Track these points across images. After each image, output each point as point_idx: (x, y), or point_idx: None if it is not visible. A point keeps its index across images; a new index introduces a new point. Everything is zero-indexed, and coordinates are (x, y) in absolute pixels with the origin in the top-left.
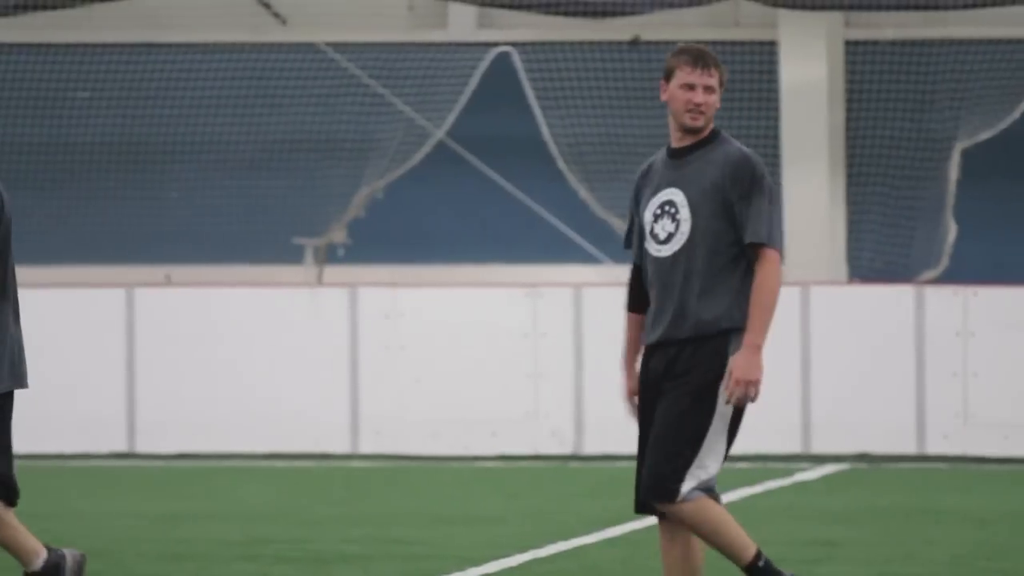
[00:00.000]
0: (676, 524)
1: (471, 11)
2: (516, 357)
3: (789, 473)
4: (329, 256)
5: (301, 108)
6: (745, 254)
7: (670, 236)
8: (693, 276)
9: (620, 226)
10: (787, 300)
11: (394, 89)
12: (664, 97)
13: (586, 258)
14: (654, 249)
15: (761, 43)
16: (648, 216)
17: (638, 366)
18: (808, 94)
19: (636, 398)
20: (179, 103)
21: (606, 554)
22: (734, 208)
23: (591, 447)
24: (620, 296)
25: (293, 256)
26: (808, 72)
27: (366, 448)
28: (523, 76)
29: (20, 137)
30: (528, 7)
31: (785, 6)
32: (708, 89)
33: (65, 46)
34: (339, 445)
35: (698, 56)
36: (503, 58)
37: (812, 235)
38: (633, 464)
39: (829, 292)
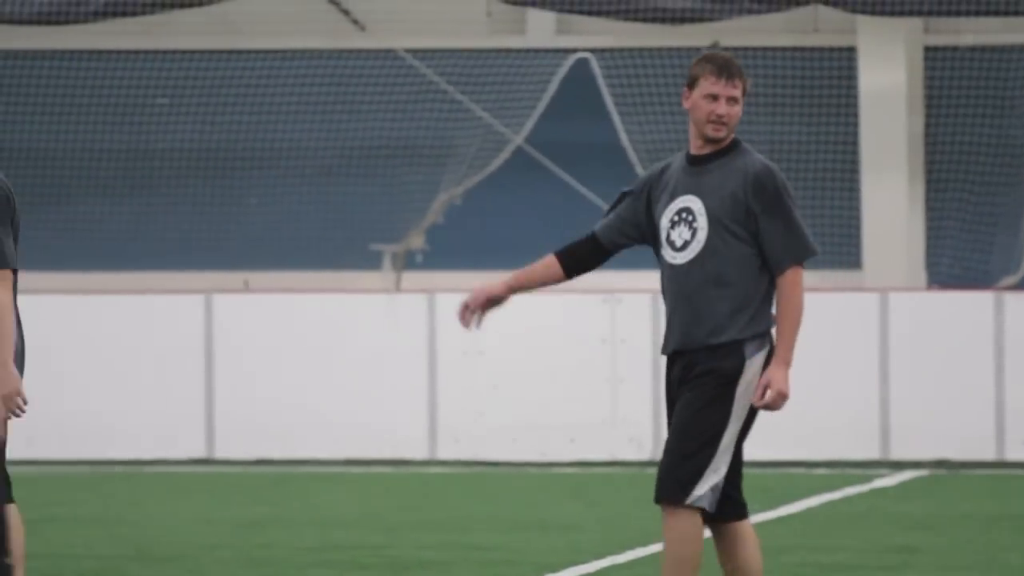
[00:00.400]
0: (723, 527)
1: (550, 17)
2: (594, 363)
3: (868, 479)
4: (407, 262)
5: (380, 114)
6: (764, 266)
7: (686, 244)
8: (708, 284)
9: None
10: (866, 306)
11: (473, 95)
12: (687, 105)
13: None
14: (670, 256)
15: (840, 49)
16: (664, 222)
17: (521, 283)
18: (887, 100)
19: (482, 302)
20: (258, 109)
21: None
22: (756, 220)
23: None
24: None
25: (371, 262)
26: (887, 78)
27: (444, 454)
28: (601, 82)
29: (100, 143)
30: (607, 13)
31: (864, 12)
32: (732, 100)
33: (145, 52)
34: (417, 451)
35: (723, 66)
36: (581, 64)
37: (891, 241)
38: None
39: (908, 299)
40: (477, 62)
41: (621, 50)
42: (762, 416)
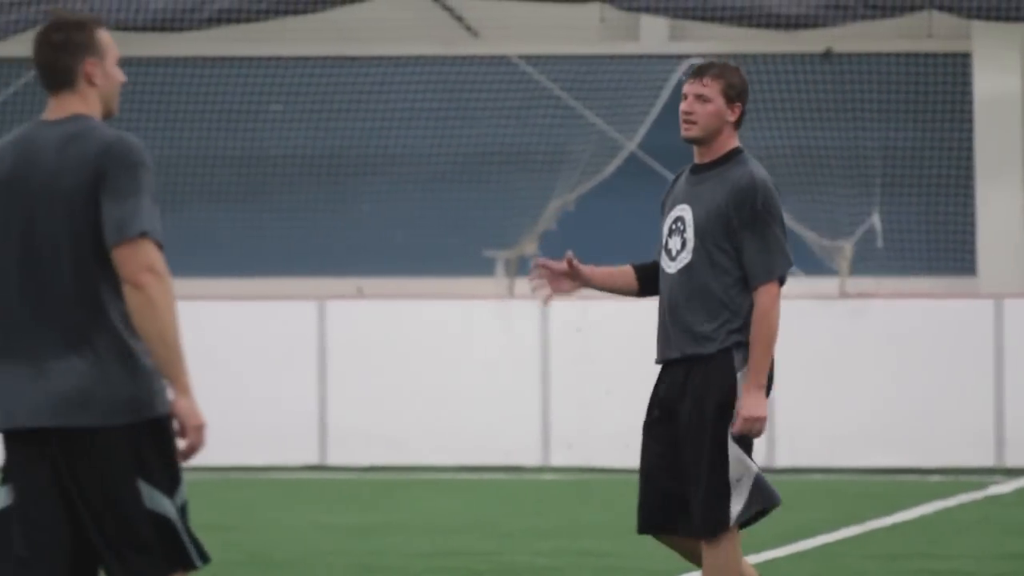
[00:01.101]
0: (680, 541)
1: (663, 23)
2: None
3: (983, 486)
4: (520, 268)
5: (493, 120)
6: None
7: (677, 253)
8: (695, 294)
9: (813, 238)
10: (980, 313)
11: (585, 101)
12: None
13: None
14: (665, 264)
15: (954, 55)
16: (664, 230)
17: (599, 277)
18: (1002, 106)
19: (562, 268)
20: (372, 116)
21: (797, 567)
22: (737, 234)
23: (782, 460)
24: (813, 309)
25: (484, 268)
26: (1002, 83)
27: (557, 461)
28: None
29: (215, 150)
30: (720, 19)
31: (979, 17)
32: (700, 98)
33: (258, 59)
34: (530, 458)
35: (697, 67)
36: None
37: (1006, 248)
38: (825, 477)
39: (1023, 305)
40: (590, 68)
41: (734, 56)
42: (877, 423)
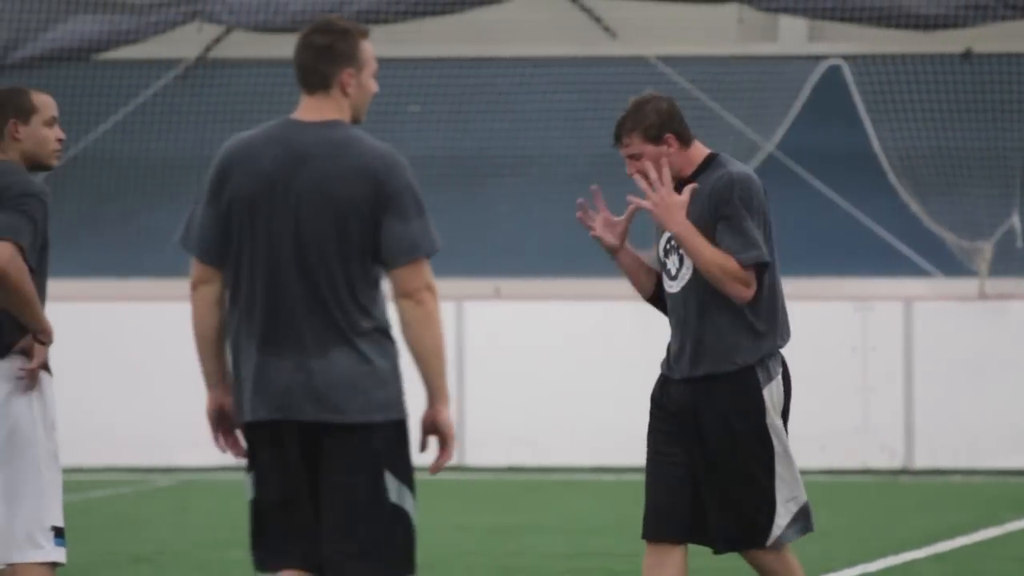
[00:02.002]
0: (668, 551)
1: (802, 23)
2: (845, 371)
3: None
4: None
5: None
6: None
7: (678, 272)
8: (705, 310)
9: (952, 239)
10: None
11: (724, 102)
12: None
13: (916, 271)
14: (667, 285)
15: None
16: (661, 252)
17: (631, 257)
18: None
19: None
20: (509, 117)
21: (936, 569)
22: (716, 231)
23: (921, 461)
24: (952, 310)
25: (619, 270)
26: None
27: (620, 460)
28: (854, 89)
29: None
30: (859, 20)
31: None
32: (633, 157)
33: (396, 60)
34: None
35: (614, 132)
36: (834, 71)
37: None
38: (965, 479)
39: None
40: (728, 69)
41: (873, 56)
42: (1017, 424)
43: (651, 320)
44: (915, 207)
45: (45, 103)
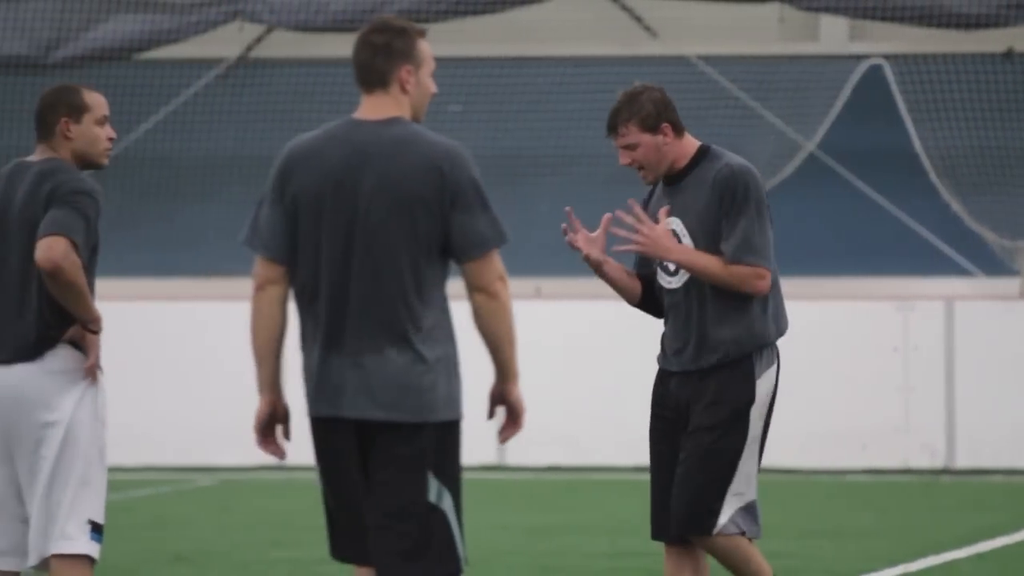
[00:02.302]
0: (685, 552)
1: (843, 23)
2: (886, 370)
3: None
4: None
5: None
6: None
7: (677, 268)
8: (707, 303)
9: (993, 238)
10: None
11: (764, 102)
12: None
13: (958, 271)
14: (665, 281)
15: None
16: None
17: (613, 268)
18: None
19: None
20: (550, 116)
21: (977, 569)
22: (721, 224)
23: (963, 461)
24: (994, 309)
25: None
26: None
27: None
28: (895, 88)
29: None
30: (900, 19)
31: None
32: (629, 148)
33: (438, 59)
34: None
35: (608, 122)
36: (875, 70)
37: None
38: (1007, 478)
39: None
40: (769, 68)
41: (914, 56)
42: None
43: None
44: (956, 206)
45: (97, 101)
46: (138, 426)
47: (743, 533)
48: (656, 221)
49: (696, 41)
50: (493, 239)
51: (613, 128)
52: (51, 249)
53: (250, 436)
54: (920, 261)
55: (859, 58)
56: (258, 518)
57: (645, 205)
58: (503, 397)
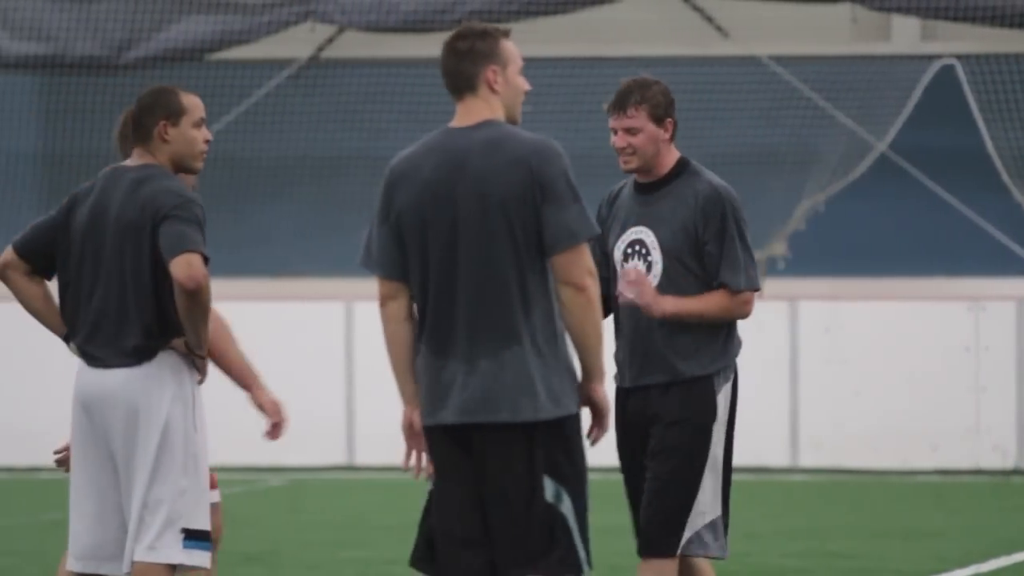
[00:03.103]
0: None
1: (915, 23)
2: (957, 371)
3: None
4: (769, 269)
5: (743, 121)
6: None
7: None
8: (668, 320)
9: None
10: None
11: (836, 102)
12: None
13: None
14: (628, 290)
15: None
16: (618, 255)
17: None
18: None
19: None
20: None
21: None
22: (705, 248)
23: None
24: None
25: None
26: None
27: (806, 461)
28: (967, 88)
29: None
30: (972, 19)
31: None
32: (630, 131)
33: None
34: (778, 458)
35: (617, 99)
36: (947, 70)
37: None
38: None
39: None
40: (841, 68)
41: (986, 56)
42: None
43: (763, 320)
44: None
45: (194, 104)
46: (209, 425)
47: (708, 552)
48: (628, 224)
49: (768, 41)
50: (581, 232)
51: (622, 107)
52: (191, 267)
53: (319, 436)
54: (992, 261)
55: (931, 58)
56: (328, 518)
57: (611, 204)
58: (588, 397)
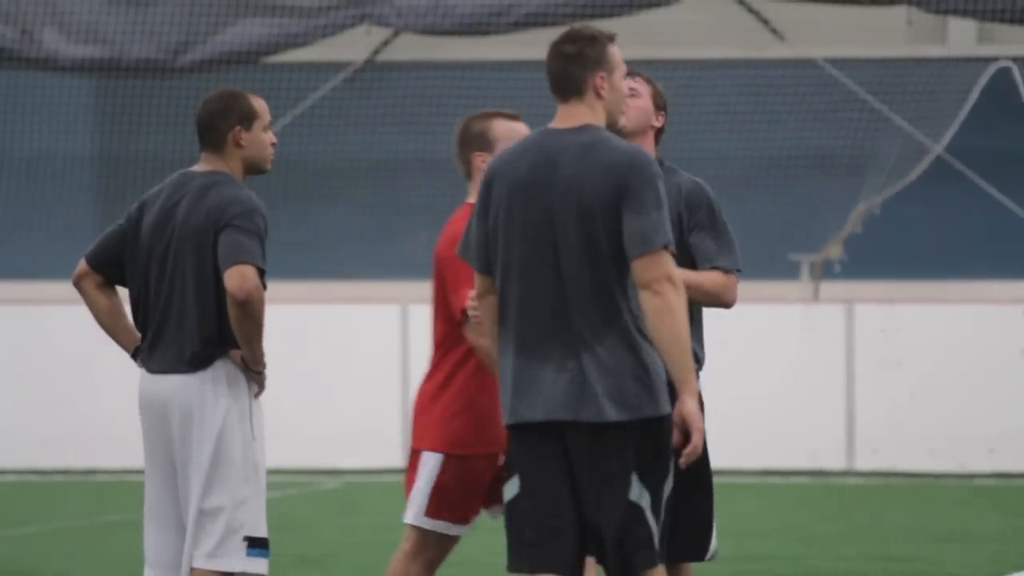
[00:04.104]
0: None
1: (971, 25)
2: (1014, 373)
3: None
4: (825, 272)
5: (798, 123)
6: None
7: None
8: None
9: None
10: None
11: (892, 104)
12: None
13: None
14: None
15: None
16: None
17: None
18: None
19: None
20: (677, 119)
21: None
22: (689, 237)
23: None
24: None
25: (789, 272)
26: None
27: (862, 465)
28: (1023, 90)
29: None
30: None
31: None
32: (632, 92)
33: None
34: (835, 461)
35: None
36: (1003, 72)
37: None
38: None
39: None
40: (897, 71)
41: None
42: None
43: (818, 323)
44: None
45: (263, 107)
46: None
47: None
48: None
49: (823, 44)
50: (657, 239)
51: (632, 73)
52: (245, 279)
53: (374, 439)
54: None
55: (987, 60)
56: (383, 521)
57: None
58: (678, 413)
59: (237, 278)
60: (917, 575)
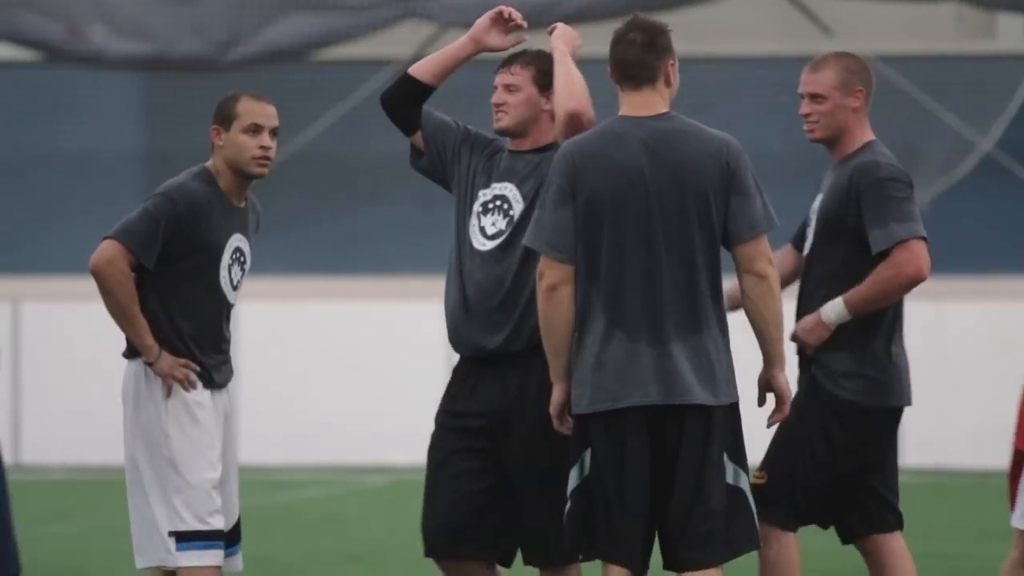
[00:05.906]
0: None
1: (1020, 22)
2: None
3: None
4: None
5: None
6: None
7: (498, 233)
8: (526, 278)
9: None
10: None
11: (940, 101)
12: None
13: None
14: (478, 243)
15: None
16: (476, 206)
17: None
18: None
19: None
20: (724, 115)
21: None
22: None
23: None
24: None
25: None
26: None
27: (910, 460)
28: None
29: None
30: None
31: None
32: (509, 88)
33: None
34: None
35: (507, 58)
36: None
37: None
38: None
39: None
40: (946, 67)
41: None
42: None
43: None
44: None
45: (249, 110)
46: (310, 425)
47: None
48: (492, 179)
49: (872, 39)
50: (763, 222)
51: (510, 63)
52: (100, 252)
53: (421, 435)
54: None
55: None
56: None
57: (481, 149)
58: (769, 383)
59: (97, 250)
60: (965, 572)
